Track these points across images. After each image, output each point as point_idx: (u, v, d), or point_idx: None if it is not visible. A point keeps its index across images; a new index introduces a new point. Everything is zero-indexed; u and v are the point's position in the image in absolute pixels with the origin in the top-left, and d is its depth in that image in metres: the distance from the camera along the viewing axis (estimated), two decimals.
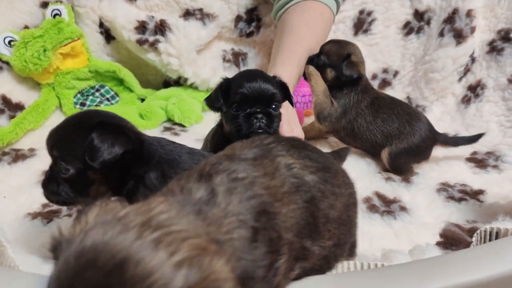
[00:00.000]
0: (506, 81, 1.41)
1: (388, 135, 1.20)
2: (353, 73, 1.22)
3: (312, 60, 1.27)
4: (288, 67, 1.22)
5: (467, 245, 0.68)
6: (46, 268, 0.63)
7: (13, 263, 0.55)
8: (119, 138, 0.66)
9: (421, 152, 1.21)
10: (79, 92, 1.56)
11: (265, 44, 1.72)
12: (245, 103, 0.85)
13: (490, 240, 0.69)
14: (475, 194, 1.08)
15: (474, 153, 1.30)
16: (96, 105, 1.54)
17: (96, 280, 0.33)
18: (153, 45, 1.48)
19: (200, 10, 1.57)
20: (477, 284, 0.49)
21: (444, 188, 1.11)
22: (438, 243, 0.74)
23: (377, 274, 0.52)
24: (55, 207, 1.02)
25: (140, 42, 1.49)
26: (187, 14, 1.54)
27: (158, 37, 1.48)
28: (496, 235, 0.69)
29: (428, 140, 1.21)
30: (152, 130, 1.45)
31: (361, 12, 1.72)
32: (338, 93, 1.25)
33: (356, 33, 1.72)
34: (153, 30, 1.49)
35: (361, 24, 1.72)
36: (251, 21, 1.67)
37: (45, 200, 0.79)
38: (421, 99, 1.60)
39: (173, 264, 0.34)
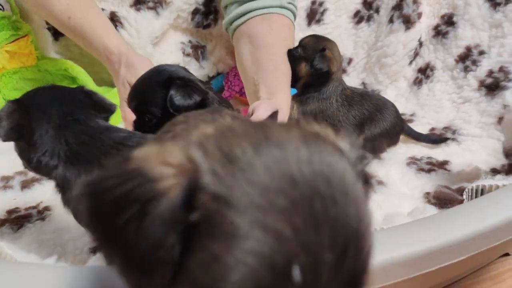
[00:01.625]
0: (453, 61, 1.50)
1: (360, 126, 1.24)
2: (323, 67, 1.23)
3: (289, 52, 1.28)
4: (287, 91, 1.20)
5: (460, 202, 0.72)
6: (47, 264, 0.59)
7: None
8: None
9: (391, 136, 1.26)
10: None
11: (221, 37, 1.71)
12: None
13: (477, 195, 0.73)
14: (442, 165, 1.15)
15: (433, 129, 1.38)
16: None
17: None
18: None
19: None
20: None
21: (413, 161, 1.17)
22: (432, 204, 0.78)
23: (400, 230, 0.53)
24: (22, 212, 0.95)
25: None
26: (138, 2, 1.46)
27: None
28: (482, 192, 0.73)
29: (397, 126, 1.26)
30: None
31: (313, 2, 1.76)
32: (309, 97, 1.27)
33: (309, 24, 1.76)
34: None
35: (314, 14, 1.76)
36: (209, 13, 1.64)
37: (10, 206, 0.75)
38: (376, 84, 1.67)
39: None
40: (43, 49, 1.50)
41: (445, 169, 1.12)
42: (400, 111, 1.52)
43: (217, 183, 0.27)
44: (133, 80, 1.01)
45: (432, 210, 0.68)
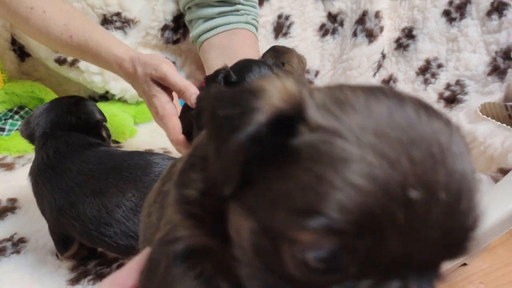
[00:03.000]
0: (414, 74, 1.57)
1: None
2: None
3: None
4: None
5: None
6: None
7: None
8: None
9: None
10: None
11: (190, 51, 1.73)
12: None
13: None
14: None
15: None
16: (18, 129, 1.43)
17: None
18: (73, 64, 1.41)
19: (118, 14, 1.49)
20: None
21: None
22: None
23: None
24: None
25: (59, 62, 1.41)
26: (105, 22, 1.46)
27: None
28: None
29: None
30: None
31: (280, 16, 1.80)
32: None
33: (276, 37, 1.80)
34: None
35: (281, 28, 1.81)
36: (178, 28, 1.66)
37: None
38: None
39: None
40: (9, 71, 1.48)
41: None
42: None
43: (324, 117, 0.27)
44: (155, 73, 1.02)
45: None
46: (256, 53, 1.44)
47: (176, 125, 1.04)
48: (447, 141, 0.27)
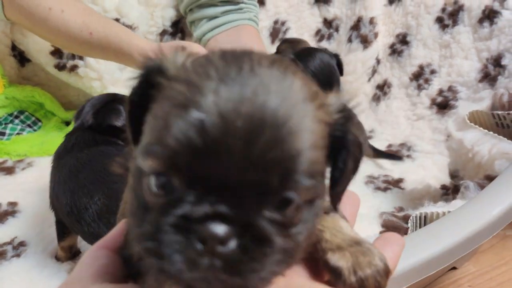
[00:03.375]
0: (408, 79, 1.60)
1: None
2: None
3: None
4: None
5: (405, 230, 0.81)
6: None
7: None
8: None
9: None
10: None
11: None
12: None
13: (420, 222, 0.82)
14: (397, 183, 1.24)
15: (390, 145, 1.47)
16: (18, 133, 1.46)
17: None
18: (73, 70, 1.44)
19: (116, 21, 1.48)
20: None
21: (371, 180, 1.25)
22: (382, 233, 0.86)
23: None
24: None
25: (59, 68, 1.44)
26: None
27: (77, 61, 1.43)
28: (425, 218, 0.82)
29: None
30: None
31: (276, 22, 1.82)
32: None
33: (273, 42, 1.83)
34: (70, 54, 1.43)
35: (277, 33, 1.83)
36: (176, 33, 1.69)
37: None
38: None
39: None
40: (9, 76, 1.51)
41: (400, 187, 1.21)
42: None
43: (176, 70, 0.35)
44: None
45: None
46: (263, 47, 1.51)
47: None
48: (268, 84, 0.32)
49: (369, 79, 1.72)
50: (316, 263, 0.39)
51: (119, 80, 1.51)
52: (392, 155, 1.36)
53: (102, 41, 1.13)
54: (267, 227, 0.31)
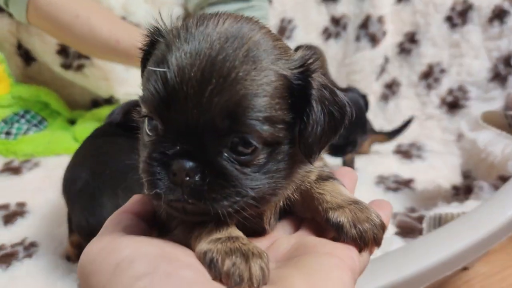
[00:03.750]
0: (417, 78, 1.59)
1: None
2: None
3: None
4: None
5: (420, 231, 0.80)
6: None
7: None
8: None
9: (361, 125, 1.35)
10: (2, 120, 1.45)
11: None
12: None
13: (435, 223, 0.81)
14: (407, 183, 1.23)
15: (399, 145, 1.46)
16: (24, 133, 1.45)
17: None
18: (79, 69, 1.43)
19: (123, 19, 1.47)
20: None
21: (381, 180, 1.24)
22: (397, 233, 0.85)
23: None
24: (9, 249, 0.97)
25: (65, 67, 1.43)
26: None
27: (83, 61, 1.42)
28: (439, 219, 0.81)
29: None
30: None
31: (282, 20, 1.81)
32: None
33: None
34: (77, 54, 1.42)
35: (283, 31, 1.82)
36: None
37: None
38: None
39: None
40: (15, 76, 1.50)
41: (410, 187, 1.20)
42: None
43: (167, 33, 0.43)
44: None
45: (397, 240, 0.75)
46: None
47: None
48: (224, 40, 0.39)
49: (377, 78, 1.71)
50: (320, 225, 0.46)
51: (126, 80, 1.50)
52: (401, 128, 1.36)
53: (128, 50, 1.13)
54: (226, 165, 0.39)
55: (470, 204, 0.79)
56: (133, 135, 0.95)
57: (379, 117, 1.65)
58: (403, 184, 1.22)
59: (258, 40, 0.40)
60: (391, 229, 0.86)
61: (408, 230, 0.83)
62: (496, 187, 0.83)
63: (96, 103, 1.66)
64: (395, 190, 1.19)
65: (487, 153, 0.93)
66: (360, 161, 1.36)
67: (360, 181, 1.23)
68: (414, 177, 1.25)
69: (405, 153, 1.40)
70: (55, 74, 1.54)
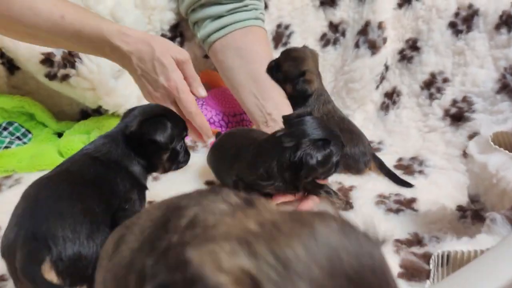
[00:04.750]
0: (418, 88, 1.52)
1: None
2: (306, 89, 1.34)
3: (271, 74, 1.36)
4: (290, 107, 1.33)
5: (427, 273, 0.73)
6: None
7: None
8: None
9: (355, 162, 1.28)
10: None
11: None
12: None
13: (443, 262, 0.74)
14: (409, 203, 1.16)
15: (400, 159, 1.39)
16: (6, 147, 1.38)
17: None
18: (64, 79, 1.35)
19: None
20: None
21: (382, 200, 1.17)
22: (400, 275, 0.78)
23: None
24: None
25: (49, 77, 1.35)
26: None
27: (68, 70, 1.34)
28: (447, 257, 0.74)
29: (365, 157, 1.28)
30: None
31: (279, 26, 1.74)
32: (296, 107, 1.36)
33: (276, 47, 1.74)
34: (62, 63, 1.34)
35: (280, 37, 1.75)
36: (175, 37, 1.60)
37: None
38: (344, 108, 1.67)
39: None
40: None
41: (413, 208, 1.13)
42: (368, 138, 1.53)
43: None
44: (179, 56, 1.08)
45: (402, 285, 0.68)
46: (270, 52, 1.44)
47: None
48: (375, 277, 0.34)
49: (377, 87, 1.64)
50: None
51: (114, 89, 1.43)
52: (401, 180, 1.25)
53: (76, 26, 0.99)
54: None
55: (483, 240, 0.72)
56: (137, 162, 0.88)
57: (378, 128, 1.57)
58: (405, 205, 1.15)
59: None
60: (395, 269, 0.79)
61: (414, 272, 0.76)
62: (510, 220, 0.76)
63: (86, 113, 1.59)
64: (397, 212, 1.12)
65: (499, 178, 0.86)
66: (357, 178, 1.29)
67: (359, 201, 1.16)
68: (417, 196, 1.18)
69: (406, 168, 1.33)
70: (40, 84, 1.47)
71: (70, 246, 0.65)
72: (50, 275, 0.63)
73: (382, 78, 1.64)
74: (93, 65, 1.35)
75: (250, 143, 1.04)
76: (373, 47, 1.60)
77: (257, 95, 1.31)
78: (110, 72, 1.39)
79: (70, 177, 0.78)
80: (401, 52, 1.61)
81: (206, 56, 1.65)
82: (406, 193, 1.21)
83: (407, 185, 1.24)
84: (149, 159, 0.90)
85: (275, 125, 1.21)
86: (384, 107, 1.61)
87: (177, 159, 0.96)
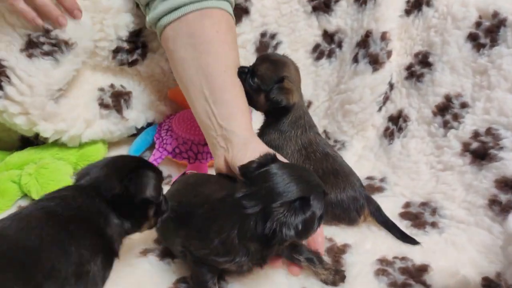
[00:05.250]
0: (430, 113, 1.24)
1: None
2: (281, 99, 1.04)
3: (244, 80, 1.07)
4: (248, 114, 1.03)
5: None
6: None
7: None
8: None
9: (346, 213, 1.02)
10: None
11: (153, 77, 1.40)
12: None
13: None
14: (420, 274, 0.88)
15: (407, 205, 1.11)
16: None
17: None
18: None
19: (47, 33, 1.11)
20: None
21: (383, 268, 0.90)
22: None
23: None
24: None
25: None
26: (30, 45, 1.09)
27: None
28: None
29: (356, 203, 1.01)
30: (2, 213, 1.07)
31: (263, 34, 1.47)
32: (269, 124, 1.11)
33: None
34: None
35: (265, 48, 1.48)
36: (135, 49, 1.32)
37: None
38: (340, 134, 1.40)
39: None
40: None
41: (424, 283, 0.85)
42: (369, 172, 1.27)
43: None
44: None
45: None
46: (234, 41, 1.12)
47: None
48: None
49: (380, 109, 1.37)
50: None
51: (54, 113, 1.15)
52: (405, 235, 0.99)
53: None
54: None
55: None
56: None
57: (381, 160, 1.30)
58: (414, 277, 0.87)
59: None
60: None
61: None
62: None
63: (27, 141, 1.32)
64: (403, 287, 0.85)
65: None
66: (352, 231, 1.01)
67: (354, 269, 0.88)
68: (430, 262, 0.91)
69: (416, 217, 1.06)
70: None
71: None
72: None
73: (386, 98, 1.36)
74: (23, 86, 1.08)
75: (202, 201, 0.77)
76: (375, 62, 1.32)
77: (208, 98, 1.00)
78: (46, 93, 1.12)
79: None
80: (408, 68, 1.34)
81: None
82: (415, 255, 0.93)
83: (412, 241, 0.97)
84: (134, 219, 0.77)
85: (228, 147, 0.94)
86: (388, 134, 1.33)
87: (161, 210, 0.80)
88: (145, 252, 0.95)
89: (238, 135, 0.94)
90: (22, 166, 1.15)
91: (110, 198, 0.72)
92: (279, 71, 1.07)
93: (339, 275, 0.87)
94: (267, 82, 1.05)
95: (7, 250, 0.58)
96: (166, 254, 0.94)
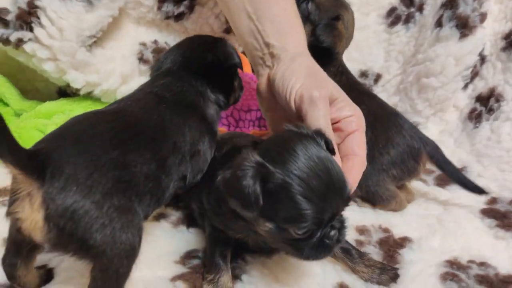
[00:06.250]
0: None
1: None
2: (325, 40, 0.93)
3: (298, 3, 0.90)
4: (302, 30, 0.82)
5: None
6: None
7: None
8: None
9: (400, 164, 0.86)
10: None
11: (201, 32, 1.26)
12: (319, 224, 0.56)
13: None
14: (505, 286, 0.65)
15: (493, 200, 0.87)
16: None
17: None
18: (18, 45, 1.00)
19: None
20: None
21: (453, 272, 0.67)
22: None
23: None
24: None
25: (3, 41, 1.01)
26: None
27: (23, 33, 0.99)
28: None
29: (412, 149, 0.86)
30: None
31: None
32: None
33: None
34: (18, 23, 0.99)
35: None
36: (181, 0, 1.19)
37: None
38: (413, 114, 1.18)
39: None
40: None
41: None
42: None
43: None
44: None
45: None
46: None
47: None
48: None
49: (466, 86, 1.12)
50: None
51: (85, 63, 1.06)
52: (474, 186, 0.83)
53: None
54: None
55: None
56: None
57: (463, 147, 1.06)
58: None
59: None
60: None
61: None
62: None
63: (63, 93, 1.25)
64: None
65: None
66: (416, 223, 0.79)
67: (412, 270, 0.64)
68: None
69: (503, 216, 0.82)
70: (7, 54, 1.14)
71: (70, 196, 0.51)
72: (35, 216, 0.51)
73: (475, 74, 1.12)
74: (53, 28, 0.99)
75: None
76: (464, 27, 1.08)
77: (251, 14, 0.80)
78: (77, 38, 1.02)
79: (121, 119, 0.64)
80: (507, 36, 1.09)
81: (226, 31, 1.24)
82: (501, 262, 0.70)
83: (481, 191, 0.83)
84: (225, 91, 0.81)
85: (274, 64, 0.74)
86: (475, 116, 1.08)
87: (241, 83, 0.86)
88: (158, 218, 0.82)
89: (288, 51, 0.75)
90: (51, 115, 1.07)
91: (203, 71, 0.77)
92: (340, 9, 0.95)
93: (387, 274, 0.66)
94: (322, 13, 0.94)
95: (136, 123, 0.63)
96: (180, 221, 0.80)
